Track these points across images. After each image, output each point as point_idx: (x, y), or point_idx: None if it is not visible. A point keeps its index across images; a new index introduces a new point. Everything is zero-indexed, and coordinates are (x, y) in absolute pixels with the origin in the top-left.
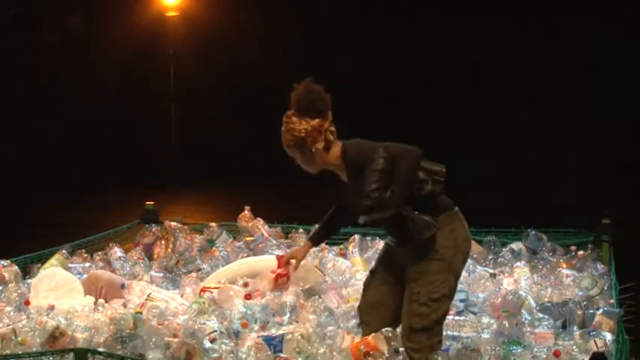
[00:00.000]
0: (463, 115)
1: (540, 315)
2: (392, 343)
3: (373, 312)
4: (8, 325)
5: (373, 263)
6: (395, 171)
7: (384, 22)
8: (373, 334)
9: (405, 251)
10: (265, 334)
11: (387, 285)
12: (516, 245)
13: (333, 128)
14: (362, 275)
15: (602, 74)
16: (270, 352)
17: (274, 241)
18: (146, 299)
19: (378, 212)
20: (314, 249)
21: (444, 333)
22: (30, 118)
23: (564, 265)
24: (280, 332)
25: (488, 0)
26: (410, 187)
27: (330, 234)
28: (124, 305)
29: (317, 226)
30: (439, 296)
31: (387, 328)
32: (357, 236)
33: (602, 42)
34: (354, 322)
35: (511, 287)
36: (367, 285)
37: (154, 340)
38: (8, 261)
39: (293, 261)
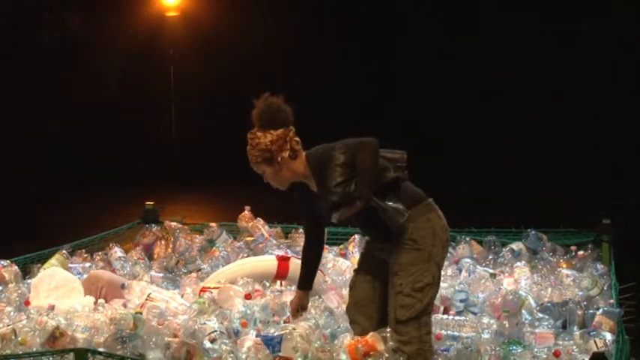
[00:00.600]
0: (464, 114)
1: (540, 315)
2: (389, 343)
3: (361, 310)
4: (8, 325)
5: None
6: (356, 164)
7: (386, 21)
8: (371, 333)
9: (384, 245)
10: (264, 333)
11: (371, 283)
12: (516, 245)
13: (297, 138)
14: None
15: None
16: (268, 352)
17: (274, 241)
18: (146, 299)
19: (346, 207)
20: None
21: (445, 333)
22: (30, 118)
23: (564, 265)
24: (279, 332)
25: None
26: (374, 177)
27: (315, 271)
28: (124, 305)
29: (300, 273)
30: (422, 285)
31: (383, 328)
32: (357, 236)
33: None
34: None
35: (511, 287)
36: (352, 284)
37: (154, 340)
38: (8, 261)
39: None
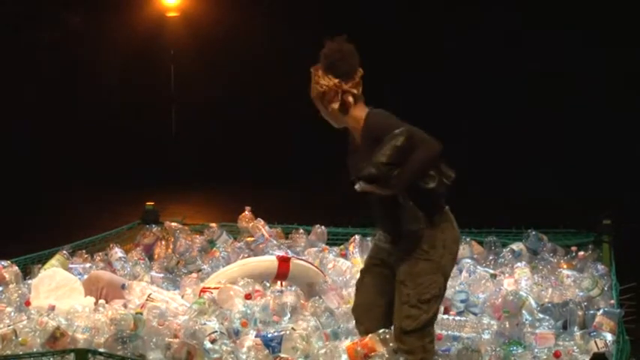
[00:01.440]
0: (462, 112)
1: (541, 315)
2: (390, 344)
3: (366, 313)
4: (9, 326)
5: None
6: (410, 155)
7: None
8: (370, 335)
9: (394, 249)
10: (263, 334)
11: (377, 285)
12: (517, 246)
13: (355, 91)
14: None
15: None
16: (268, 352)
17: (275, 242)
18: (146, 300)
19: (378, 185)
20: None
21: (445, 333)
22: (29, 118)
23: (565, 266)
24: (278, 332)
25: None
26: (418, 176)
27: None
28: (125, 306)
29: None
30: (429, 297)
31: (383, 330)
32: (357, 237)
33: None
34: (354, 322)
35: (511, 288)
36: (359, 286)
37: (154, 340)
38: (9, 261)
39: None
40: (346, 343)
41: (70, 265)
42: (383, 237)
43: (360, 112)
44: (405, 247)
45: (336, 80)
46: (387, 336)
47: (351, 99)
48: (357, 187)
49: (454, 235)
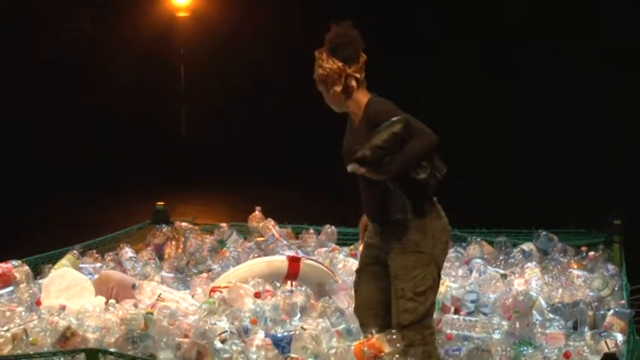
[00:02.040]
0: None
1: (551, 316)
2: (397, 345)
3: (367, 312)
4: (20, 325)
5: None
6: (405, 144)
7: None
8: (376, 335)
9: (382, 241)
10: (273, 333)
11: (373, 284)
12: (527, 246)
13: (358, 75)
14: None
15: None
16: (277, 351)
17: (285, 242)
18: (157, 299)
19: (369, 168)
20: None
21: (456, 333)
22: (40, 118)
23: (575, 266)
24: (288, 332)
25: None
26: (411, 165)
27: None
28: (135, 305)
29: None
30: (424, 289)
31: (389, 330)
32: None
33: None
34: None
35: (522, 288)
36: (357, 287)
37: (164, 340)
38: (19, 261)
39: None
40: (354, 343)
41: (81, 265)
42: (372, 232)
43: (363, 97)
44: (393, 237)
45: (340, 64)
46: (394, 336)
47: (354, 83)
48: (349, 167)
49: (441, 225)
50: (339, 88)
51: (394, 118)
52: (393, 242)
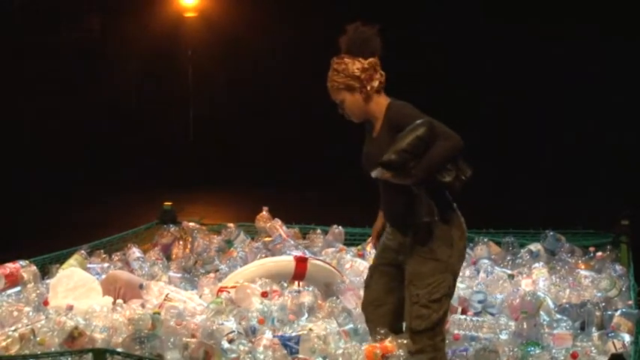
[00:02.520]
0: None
1: (558, 316)
2: (408, 350)
3: (375, 310)
4: (27, 325)
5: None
6: (431, 147)
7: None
8: (389, 338)
9: (402, 246)
10: (281, 334)
11: (385, 283)
12: (535, 246)
13: (382, 72)
14: None
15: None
16: (286, 352)
17: (292, 242)
18: (164, 299)
19: (394, 173)
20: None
21: (463, 333)
22: (50, 119)
23: (583, 267)
24: (296, 332)
25: None
26: (437, 169)
27: None
28: (143, 305)
29: None
30: (439, 297)
31: (402, 334)
32: None
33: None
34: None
35: (529, 288)
36: (368, 284)
37: (172, 340)
38: (27, 261)
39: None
40: (365, 345)
41: (88, 265)
42: (391, 234)
43: (383, 100)
44: (412, 242)
45: (371, 59)
46: (406, 341)
47: (377, 83)
48: (374, 173)
49: (461, 232)
50: (376, 83)
51: (418, 122)
52: (412, 247)
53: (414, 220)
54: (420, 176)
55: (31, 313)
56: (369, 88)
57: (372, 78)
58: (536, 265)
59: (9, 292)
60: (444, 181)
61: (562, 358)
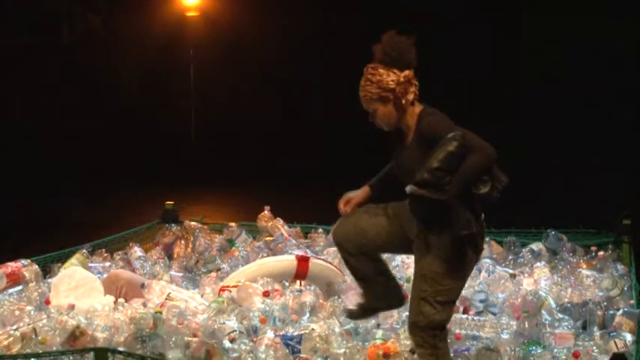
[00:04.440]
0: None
1: (560, 316)
2: (411, 350)
3: (357, 239)
4: (29, 325)
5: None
6: (464, 161)
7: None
8: (392, 339)
9: (419, 236)
10: (283, 333)
11: (385, 227)
12: (536, 246)
13: (417, 82)
14: None
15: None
16: (287, 351)
17: (294, 241)
18: (166, 299)
19: (429, 191)
20: (333, 249)
21: (465, 333)
22: (50, 118)
23: (584, 266)
24: (298, 332)
25: None
26: (471, 182)
27: (387, 186)
28: (144, 305)
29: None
30: (446, 300)
31: (404, 336)
32: None
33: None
34: (373, 322)
35: (531, 288)
36: (365, 211)
37: (173, 339)
38: (29, 260)
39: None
40: (367, 345)
41: (90, 264)
42: (421, 220)
43: (416, 107)
44: (439, 241)
45: (406, 72)
46: (409, 342)
47: (412, 96)
48: (408, 189)
49: (480, 245)
50: (411, 97)
51: (449, 136)
52: (432, 244)
53: (449, 231)
54: (454, 192)
55: (32, 312)
56: (403, 101)
57: (407, 91)
58: (538, 264)
59: (11, 291)
60: (480, 192)
61: (564, 357)
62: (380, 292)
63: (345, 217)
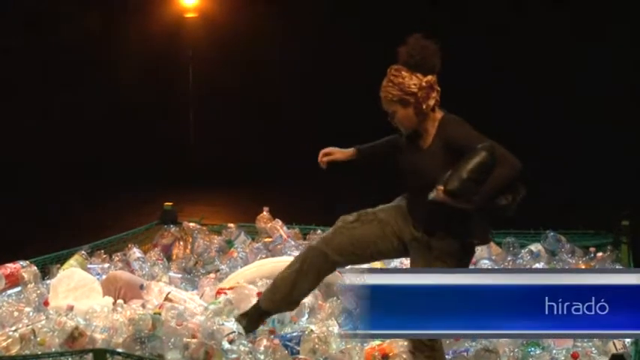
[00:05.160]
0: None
1: None
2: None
3: (350, 254)
4: (27, 326)
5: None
6: (492, 172)
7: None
8: (388, 340)
9: (413, 240)
10: (283, 333)
11: (379, 236)
12: (535, 247)
13: (439, 88)
14: None
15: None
16: (286, 352)
17: (293, 242)
18: (165, 300)
19: (457, 200)
20: None
21: None
22: (49, 118)
23: (583, 267)
24: (296, 333)
25: None
26: (499, 194)
27: (375, 159)
28: (143, 306)
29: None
30: None
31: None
32: None
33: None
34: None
35: None
36: (357, 219)
37: (172, 340)
38: (27, 261)
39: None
40: (365, 347)
41: (89, 266)
42: (430, 224)
43: (437, 113)
44: (440, 244)
45: (429, 77)
46: (406, 342)
47: (438, 96)
48: (431, 196)
49: (472, 256)
50: (432, 102)
51: (480, 146)
52: (432, 246)
53: (458, 237)
54: (481, 203)
55: (31, 314)
56: (424, 106)
57: (429, 96)
58: (537, 265)
59: (9, 292)
60: (500, 204)
61: (562, 358)
62: None
63: (339, 229)
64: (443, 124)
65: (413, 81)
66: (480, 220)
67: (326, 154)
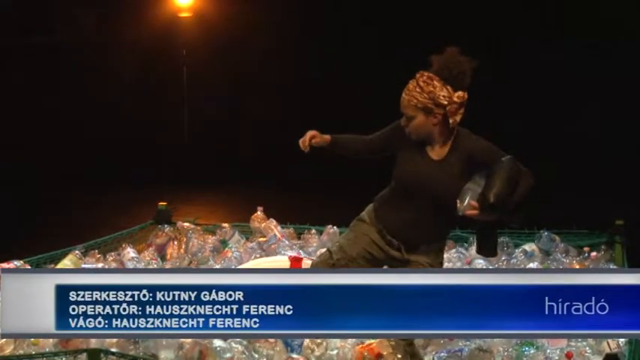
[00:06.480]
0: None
1: None
2: (398, 354)
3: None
4: None
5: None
6: (520, 186)
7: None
8: (377, 340)
9: (394, 260)
10: None
11: (369, 242)
12: (529, 246)
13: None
14: None
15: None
16: (284, 350)
17: (287, 242)
18: None
19: (489, 214)
20: None
21: None
22: (43, 118)
23: (577, 267)
24: None
25: None
26: (523, 206)
27: (344, 152)
28: None
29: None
30: None
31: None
32: None
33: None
34: None
35: None
36: (352, 231)
37: (166, 340)
38: (21, 261)
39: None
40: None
41: (83, 265)
42: (381, 247)
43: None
44: (429, 259)
45: (460, 93)
46: (394, 342)
47: (459, 117)
48: (461, 208)
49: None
50: (458, 118)
51: (504, 160)
52: (424, 249)
53: (438, 244)
54: (510, 219)
55: None
56: (451, 121)
57: (457, 112)
58: (531, 265)
59: None
60: (521, 216)
61: (556, 358)
62: None
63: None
64: (459, 137)
65: (443, 92)
66: (489, 234)
67: (312, 137)
